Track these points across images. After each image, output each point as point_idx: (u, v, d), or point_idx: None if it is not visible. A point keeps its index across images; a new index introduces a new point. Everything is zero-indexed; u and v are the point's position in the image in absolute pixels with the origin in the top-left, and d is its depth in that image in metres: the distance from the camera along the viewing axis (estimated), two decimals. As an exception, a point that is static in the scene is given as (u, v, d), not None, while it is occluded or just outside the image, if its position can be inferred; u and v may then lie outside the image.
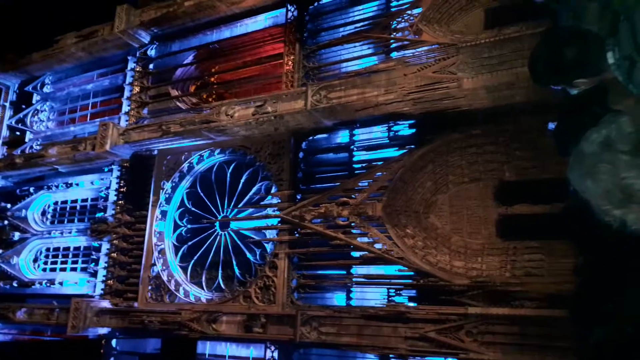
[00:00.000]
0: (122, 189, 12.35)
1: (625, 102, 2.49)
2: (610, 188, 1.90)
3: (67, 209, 13.60)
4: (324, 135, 10.11)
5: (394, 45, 9.38)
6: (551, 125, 4.38)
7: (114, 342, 11.24)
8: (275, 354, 9.48)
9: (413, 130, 9.01)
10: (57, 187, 13.59)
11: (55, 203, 13.84)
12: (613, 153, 1.92)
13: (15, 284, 13.15)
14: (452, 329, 7.44)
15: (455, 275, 7.86)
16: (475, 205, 8.20)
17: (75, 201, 13.49)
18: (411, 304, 8.20)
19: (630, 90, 2.37)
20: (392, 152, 9.18)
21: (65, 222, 13.48)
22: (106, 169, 12.77)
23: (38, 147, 14.03)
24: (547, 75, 3.05)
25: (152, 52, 13.10)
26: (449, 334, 7.45)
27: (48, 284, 12.82)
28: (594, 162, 1.95)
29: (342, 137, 10.01)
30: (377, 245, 8.55)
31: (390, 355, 8.25)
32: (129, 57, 13.27)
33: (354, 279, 9.04)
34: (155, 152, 11.84)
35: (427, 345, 7.59)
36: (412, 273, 8.30)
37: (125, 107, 12.91)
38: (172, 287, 10.83)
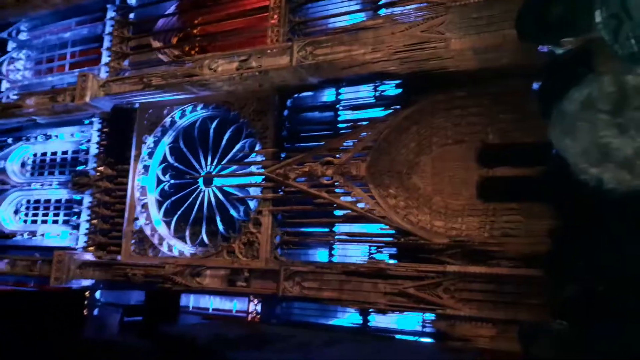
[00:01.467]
0: (103, 142, 12.16)
1: (610, 62, 2.51)
2: (588, 146, 1.95)
3: (47, 161, 13.38)
4: (310, 93, 10.01)
5: (382, 1, 9.19)
6: (535, 86, 4.40)
7: (97, 293, 11.36)
8: (259, 307, 9.72)
9: (399, 91, 8.96)
10: (36, 138, 13.32)
11: (35, 155, 13.59)
12: (593, 112, 1.95)
13: (-5, 236, 13.08)
14: (430, 285, 7.70)
15: (435, 234, 8.07)
16: (457, 167, 8.31)
17: (55, 153, 13.26)
18: (391, 261, 8.42)
19: (616, 50, 2.38)
20: (377, 112, 9.16)
21: (46, 174, 13.30)
22: (86, 122, 12.52)
23: (15, 97, 13.59)
24: (534, 33, 3.03)
25: (132, 1, 12.60)
26: (427, 290, 7.72)
27: (30, 236, 12.77)
28: (574, 120, 1.98)
29: (327, 95, 9.93)
30: (360, 205, 8.67)
31: (370, 310, 8.55)
32: (109, 6, 12.74)
33: (336, 237, 9.21)
34: (137, 105, 11.60)
35: (406, 300, 7.87)
36: (393, 232, 8.48)
37: (105, 58, 12.51)
38: (156, 241, 10.90)
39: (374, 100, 9.32)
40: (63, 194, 12.77)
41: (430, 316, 7.96)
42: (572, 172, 2.02)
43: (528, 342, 3.80)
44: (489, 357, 6.30)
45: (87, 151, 12.35)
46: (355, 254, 9.07)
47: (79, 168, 12.30)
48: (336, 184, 8.87)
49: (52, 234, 12.61)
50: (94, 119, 12.34)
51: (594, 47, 2.89)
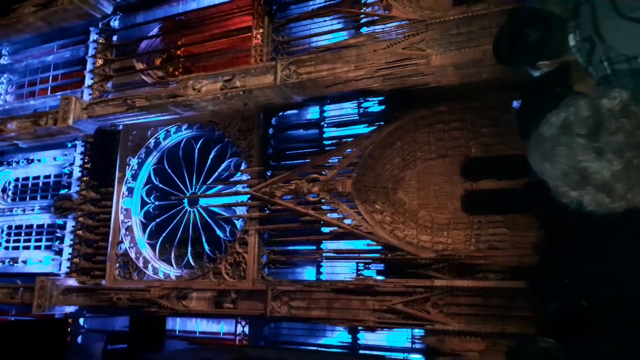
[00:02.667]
0: (86, 165, 12.03)
1: (585, 84, 2.56)
2: (567, 171, 1.96)
3: (29, 185, 13.18)
4: (294, 111, 10.05)
5: (364, 20, 9.30)
6: (515, 104, 4.46)
7: (81, 320, 11.09)
8: (246, 329, 9.57)
9: (382, 107, 9.04)
10: (17, 163, 13.15)
11: (17, 179, 13.39)
12: (570, 136, 1.97)
13: (-25, 263, 12.76)
14: (418, 300, 7.66)
15: (421, 249, 8.05)
16: (441, 181, 8.36)
17: (37, 177, 13.08)
18: (379, 277, 8.37)
19: (590, 73, 2.43)
20: (362, 129, 9.21)
21: (28, 199, 13.08)
22: (69, 145, 12.40)
23: (-5, 122, 13.44)
24: (510, 56, 3.10)
25: (115, 23, 12.62)
26: (415, 305, 7.68)
27: (11, 263, 12.50)
28: (552, 145, 2.00)
29: (312, 113, 9.97)
30: (347, 221, 8.65)
31: (359, 327, 8.47)
32: (91, 28, 12.76)
33: (323, 254, 9.15)
34: (121, 127, 11.54)
35: (395, 317, 7.81)
36: (380, 247, 8.46)
37: (88, 81, 12.46)
38: (141, 265, 10.73)
39: (358, 117, 9.38)
40: (45, 219, 12.55)
41: (419, 332, 7.91)
42: (552, 194, 2.04)
43: (515, 361, 3.79)
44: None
45: (70, 174, 12.20)
46: (343, 271, 9.00)
47: (62, 192, 12.12)
48: (322, 201, 8.85)
49: (35, 260, 12.35)
50: (77, 142, 12.23)
51: (570, 70, 2.94)
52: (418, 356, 8.11)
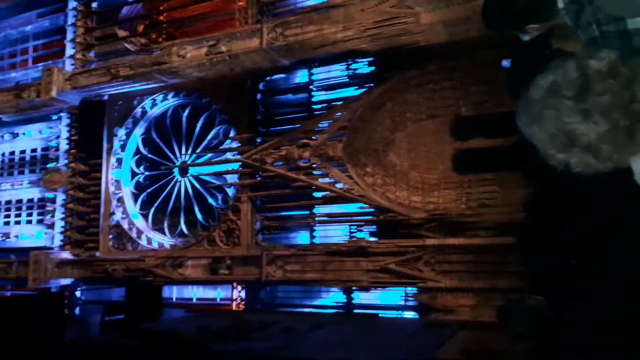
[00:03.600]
0: (73, 137, 11.85)
1: (573, 47, 2.51)
2: (554, 133, 1.95)
3: (16, 160, 12.99)
4: (282, 76, 9.88)
5: (350, -22, 9.04)
6: (505, 63, 4.40)
7: (78, 292, 11.19)
8: (243, 294, 9.70)
9: (372, 68, 8.91)
10: (2, 137, 12.93)
11: (2, 154, 13.18)
12: (558, 98, 1.95)
13: (-32, 240, 12.72)
14: (411, 260, 7.79)
15: (413, 209, 8.12)
16: (432, 142, 8.34)
17: (24, 151, 12.88)
18: (372, 239, 8.47)
19: (579, 35, 2.39)
20: (351, 91, 9.10)
21: (16, 173, 12.92)
22: (54, 117, 12.18)
23: (-23, 96, 13.12)
24: (499, 21, 3.03)
25: (93, -11, 12.18)
26: (408, 265, 7.81)
27: (4, 238, 12.47)
28: (540, 107, 1.99)
29: (300, 76, 9.81)
30: (339, 185, 8.66)
31: (353, 288, 8.62)
32: (69, -5, 12.31)
33: (316, 218, 9.20)
34: (106, 97, 11.30)
35: (388, 276, 7.95)
36: (372, 210, 8.51)
37: (69, 50, 12.12)
38: (134, 235, 10.74)
39: (347, 80, 9.25)
40: (35, 193, 12.45)
41: (412, 290, 8.07)
42: (540, 156, 2.04)
43: (506, 320, 3.89)
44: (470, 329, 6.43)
45: (57, 147, 12.03)
46: (336, 234, 9.09)
47: (50, 165, 11.98)
48: (314, 166, 8.83)
49: (27, 234, 12.32)
50: (62, 114, 12.01)
51: (559, 33, 2.89)
52: (411, 313, 8.29)
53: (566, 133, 1.91)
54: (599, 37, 2.33)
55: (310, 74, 9.64)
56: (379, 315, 8.36)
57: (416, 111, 8.52)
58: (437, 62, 8.18)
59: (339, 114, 8.82)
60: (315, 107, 9.47)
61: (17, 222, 12.62)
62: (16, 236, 12.34)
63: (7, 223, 12.77)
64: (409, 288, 8.12)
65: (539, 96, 1.99)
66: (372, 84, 8.76)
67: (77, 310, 10.95)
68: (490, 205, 7.75)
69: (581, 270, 3.01)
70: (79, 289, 11.19)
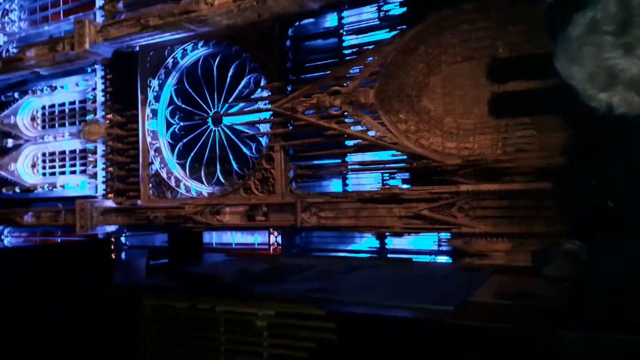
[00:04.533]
0: (108, 89, 12.07)
1: None
2: (595, 71, 1.87)
3: (56, 112, 13.39)
4: (311, 20, 9.65)
5: None
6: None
7: (123, 238, 11.77)
8: (279, 239, 10.00)
9: (404, 9, 8.60)
10: (41, 91, 13.28)
11: (43, 107, 13.60)
12: (598, 35, 1.86)
13: (17, 190, 13.42)
14: (444, 206, 7.79)
15: (447, 156, 8.03)
16: (467, 85, 8.10)
17: (63, 104, 13.25)
18: (405, 186, 8.48)
19: None
20: (383, 35, 8.84)
21: (57, 126, 13.36)
22: (89, 70, 12.37)
23: (14, 50, 13.40)
24: None
25: (118, -64, 11.95)
26: (441, 211, 7.82)
27: (50, 188, 13.08)
28: (579, 46, 1.90)
29: (330, 20, 9.57)
30: (371, 133, 8.60)
31: (386, 233, 8.75)
32: (95, -57, 12.14)
33: (349, 167, 9.24)
34: (137, 48, 11.37)
35: (421, 222, 8.00)
36: (405, 157, 8.47)
37: (98, 1, 12.10)
38: (173, 184, 11.09)
39: (379, 22, 8.98)
40: (76, 145, 12.90)
41: (445, 235, 8.13)
42: (581, 99, 1.97)
43: (541, 265, 3.88)
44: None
45: (94, 100, 12.30)
46: (368, 182, 9.13)
47: (89, 117, 12.31)
48: (345, 113, 8.76)
49: (72, 184, 12.89)
50: (96, 66, 12.18)
51: None
52: (445, 258, 8.40)
53: (607, 69, 1.84)
54: None
55: (340, 18, 9.38)
56: (413, 259, 8.50)
57: (451, 54, 8.23)
58: (472, 1, 7.80)
59: (371, 58, 8.62)
60: (345, 52, 9.28)
61: (62, 173, 13.18)
62: (62, 186, 12.92)
63: (52, 174, 13.36)
64: (443, 233, 8.17)
65: (577, 34, 1.90)
66: (404, 26, 8.47)
67: (122, 255, 11.57)
68: (527, 150, 7.57)
69: (619, 214, 2.97)
70: (123, 235, 11.76)
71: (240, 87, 10.46)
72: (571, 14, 1.94)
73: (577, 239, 3.69)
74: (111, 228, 11.60)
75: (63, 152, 13.25)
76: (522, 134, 7.73)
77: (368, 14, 9.11)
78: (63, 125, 13.24)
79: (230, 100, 10.56)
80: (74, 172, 13.07)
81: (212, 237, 10.94)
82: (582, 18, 1.89)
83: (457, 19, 8.00)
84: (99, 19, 11.88)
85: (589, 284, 3.54)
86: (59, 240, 12.72)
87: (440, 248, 8.50)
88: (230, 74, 10.54)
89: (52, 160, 13.42)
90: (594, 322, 3.30)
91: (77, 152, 12.99)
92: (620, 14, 1.83)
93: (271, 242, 10.14)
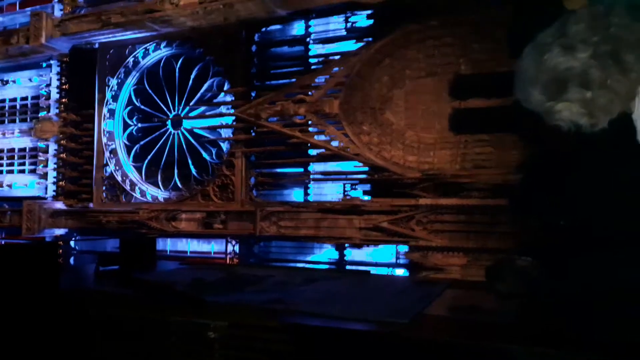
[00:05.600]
0: (64, 86, 11.60)
1: (577, 1, 2.42)
2: (545, 82, 1.89)
3: (6, 108, 12.74)
4: (278, 27, 9.60)
5: None
6: None
7: (72, 242, 11.27)
8: (237, 248, 9.80)
9: (371, 22, 8.66)
10: (-9, 84, 12.65)
11: (-8, 102, 12.93)
12: (541, 47, 1.90)
13: (-41, 188, 12.65)
14: (403, 219, 7.86)
15: (408, 169, 8.10)
16: (430, 100, 8.23)
17: (14, 99, 12.62)
18: (366, 198, 8.50)
19: None
20: (349, 45, 8.87)
21: (6, 122, 12.71)
22: (44, 65, 11.87)
23: (-37, 40, 12.71)
24: None
25: None
26: (400, 223, 7.88)
27: (-4, 187, 12.40)
28: (528, 65, 1.94)
29: (297, 28, 9.53)
30: (334, 143, 8.59)
31: (346, 244, 8.72)
32: None
33: (311, 176, 9.18)
34: (97, 45, 10.99)
35: (380, 234, 8.04)
36: (367, 168, 8.49)
37: (57, -6, 11.66)
38: (128, 187, 10.73)
39: (345, 33, 9.01)
40: (27, 142, 12.30)
41: (403, 248, 8.18)
42: (543, 119, 2.00)
43: (494, 280, 3.93)
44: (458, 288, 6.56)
45: (47, 96, 11.79)
46: (330, 192, 9.10)
47: (41, 114, 11.78)
48: (309, 122, 8.71)
49: (20, 183, 12.26)
50: (52, 62, 11.70)
51: None
52: (402, 270, 8.44)
53: (555, 76, 1.86)
54: None
55: (308, 26, 9.36)
56: (370, 272, 8.50)
57: (415, 68, 8.35)
58: (439, 17, 7.95)
59: (336, 69, 8.63)
60: (312, 60, 9.25)
61: (10, 172, 12.52)
62: (9, 185, 12.28)
63: (-1, 172, 12.67)
64: (401, 246, 8.22)
65: (527, 60, 1.95)
66: (371, 38, 8.54)
67: (71, 260, 11.06)
68: (484, 166, 7.74)
69: (571, 231, 3.03)
70: (73, 239, 11.26)
71: (202, 90, 10.26)
72: (527, 38, 1.99)
73: (530, 255, 3.76)
74: (60, 231, 11.08)
75: (12, 150, 12.59)
76: (480, 150, 7.90)
77: (335, 24, 9.13)
78: (13, 121, 12.61)
79: (191, 103, 10.34)
80: (22, 172, 12.43)
81: (167, 244, 10.62)
82: (529, 46, 1.96)
83: (423, 34, 8.13)
84: (57, 13, 11.44)
85: (540, 301, 3.59)
86: (2, 243, 12.05)
87: (398, 261, 8.53)
88: (192, 76, 10.33)
89: (0, 158, 12.74)
90: (543, 337, 3.35)
91: (27, 150, 12.39)
92: (557, 25, 1.89)
93: (228, 251, 9.93)
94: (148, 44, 10.52)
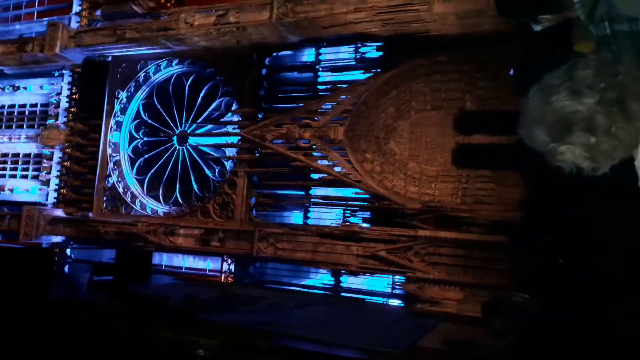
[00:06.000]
0: (74, 96, 11.75)
1: (586, 44, 2.49)
2: (551, 123, 1.94)
3: (15, 113, 12.88)
4: (289, 53, 9.78)
5: (367, -41, 8.88)
6: (512, 72, 4.36)
7: (68, 250, 11.21)
8: (232, 267, 9.76)
9: (380, 54, 8.83)
10: (2, 89, 12.80)
11: (2, 107, 13.06)
12: (548, 90, 1.96)
13: (-40, 189, 12.67)
14: (401, 249, 7.83)
15: (408, 199, 8.13)
16: (434, 133, 8.32)
17: (23, 106, 12.77)
18: (365, 225, 8.50)
19: (590, 31, 2.37)
20: (357, 75, 9.03)
21: (14, 127, 12.83)
22: (56, 74, 12.05)
23: (-21, 45, 12.93)
24: (511, 6, 3.00)
25: (104, -54, 11.92)
26: (398, 253, 7.86)
27: (-2, 190, 12.42)
28: (535, 107, 1.99)
29: (307, 55, 9.71)
30: (337, 169, 8.65)
31: (342, 271, 8.68)
32: (79, -50, 12.06)
33: (312, 200, 9.21)
34: (110, 58, 11.19)
35: (377, 263, 8.01)
36: (368, 196, 8.52)
37: (76, 7, 11.93)
38: (128, 199, 10.75)
39: (354, 63, 9.17)
40: (32, 148, 12.39)
41: (400, 279, 8.13)
42: (548, 161, 2.04)
43: (490, 316, 3.92)
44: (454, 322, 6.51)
45: (57, 105, 11.93)
46: (330, 217, 9.11)
47: (49, 122, 11.89)
48: (313, 147, 8.79)
49: (21, 189, 12.29)
50: (64, 71, 11.89)
51: (572, 27, 2.85)
52: (397, 301, 8.37)
53: (558, 114, 1.90)
54: (610, 36, 2.31)
55: (318, 54, 9.54)
56: (365, 300, 8.43)
57: (421, 101, 8.47)
58: (447, 53, 8.10)
59: (344, 96, 8.76)
60: (320, 87, 9.40)
61: (13, 176, 12.57)
62: (10, 189, 12.31)
63: (2, 176, 12.71)
64: (397, 276, 8.17)
65: (534, 100, 2.00)
66: (379, 70, 8.69)
67: (66, 269, 10.98)
68: (485, 202, 7.77)
69: (569, 270, 3.03)
70: (69, 247, 11.22)
71: (210, 108, 10.39)
72: (540, 72, 2.03)
73: (526, 292, 3.75)
74: (57, 239, 11.06)
75: (17, 155, 12.67)
76: (482, 186, 7.95)
77: (345, 53, 9.31)
78: (21, 127, 12.73)
79: (198, 121, 10.45)
80: (25, 177, 12.49)
81: (163, 259, 10.56)
82: (536, 86, 2.01)
83: (431, 68, 8.28)
84: (74, 25, 11.69)
85: (537, 338, 3.56)
86: (-2, 246, 11.99)
87: (393, 291, 8.47)
88: (202, 94, 10.48)
89: (4, 162, 12.80)
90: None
91: (32, 156, 12.46)
92: (565, 68, 1.95)
93: (223, 270, 9.88)
94: (160, 61, 10.71)
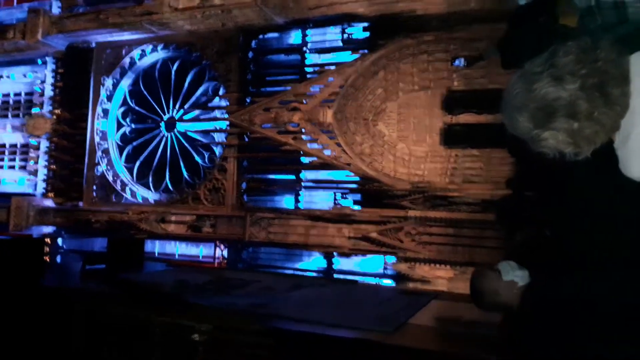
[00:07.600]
0: (58, 84, 11.57)
1: (571, 16, 2.50)
2: (533, 110, 1.97)
3: (-1, 103, 12.69)
4: (275, 35, 9.68)
5: (352, -62, 8.77)
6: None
7: (59, 240, 11.17)
8: (225, 252, 9.79)
9: (367, 34, 8.77)
10: (-16, 79, 12.58)
11: (-15, 96, 12.85)
12: (530, 77, 1.99)
13: (-53, 181, 12.52)
14: (392, 230, 7.90)
15: (398, 180, 8.18)
16: (422, 114, 8.33)
17: (7, 94, 12.57)
18: (356, 207, 8.55)
19: (575, 3, 2.37)
20: (345, 56, 8.98)
21: (-2, 117, 12.64)
22: (40, 61, 11.85)
23: (-42, 34, 12.66)
24: None
25: None
26: (389, 234, 7.93)
27: (-16, 182, 12.30)
28: (516, 95, 2.02)
29: (294, 37, 9.63)
30: (326, 152, 8.65)
31: (334, 253, 8.75)
32: None
33: (302, 183, 9.22)
34: (93, 44, 11.01)
35: (369, 244, 8.08)
36: (358, 178, 8.55)
37: (56, -8, 11.68)
38: (118, 188, 10.69)
39: (342, 44, 9.11)
40: (18, 138, 12.23)
41: (391, 259, 8.22)
42: (532, 147, 2.07)
43: (478, 292, 3.98)
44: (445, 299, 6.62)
45: (42, 93, 11.75)
46: (321, 200, 9.14)
47: (34, 111, 11.73)
48: (302, 130, 8.77)
49: (9, 179, 12.17)
50: (47, 59, 11.68)
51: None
52: (389, 281, 8.47)
53: (543, 106, 1.94)
54: (594, 7, 2.32)
55: (304, 35, 9.45)
56: (358, 281, 8.53)
57: (408, 82, 8.46)
58: (433, 32, 8.08)
59: (331, 79, 8.72)
60: (307, 69, 9.34)
61: (-1, 167, 12.44)
62: (-2, 181, 12.18)
63: (-12, 167, 12.57)
64: (389, 257, 8.26)
65: (515, 88, 2.03)
66: (366, 50, 8.65)
67: (58, 258, 10.96)
68: (474, 181, 7.83)
69: (556, 243, 3.09)
70: (60, 237, 11.18)
71: (197, 94, 10.30)
72: (525, 46, 2.05)
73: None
74: (48, 229, 11.00)
75: (2, 146, 12.50)
76: (470, 165, 8.00)
77: (332, 34, 9.24)
78: (5, 116, 12.53)
79: (186, 107, 10.37)
80: (12, 167, 12.34)
81: (155, 247, 10.56)
82: (517, 75, 2.04)
83: (417, 48, 8.25)
84: (55, 10, 11.45)
85: (517, 315, 3.64)
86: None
87: (385, 271, 8.57)
88: (188, 79, 10.37)
89: (-10, 153, 12.65)
90: (519, 353, 3.39)
91: (18, 146, 12.30)
92: (546, 55, 1.97)
93: (217, 256, 9.91)
94: (145, 46, 10.56)
